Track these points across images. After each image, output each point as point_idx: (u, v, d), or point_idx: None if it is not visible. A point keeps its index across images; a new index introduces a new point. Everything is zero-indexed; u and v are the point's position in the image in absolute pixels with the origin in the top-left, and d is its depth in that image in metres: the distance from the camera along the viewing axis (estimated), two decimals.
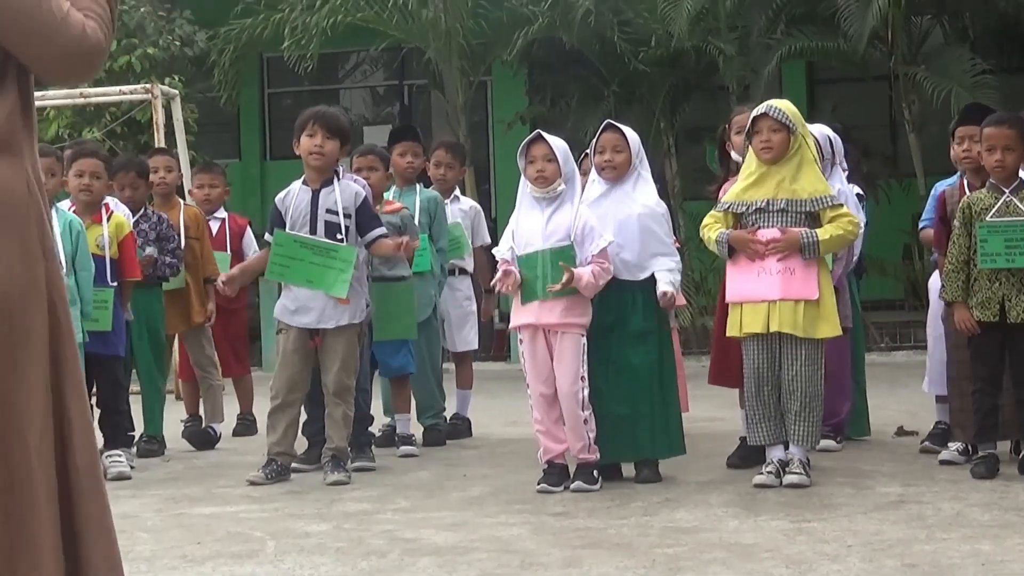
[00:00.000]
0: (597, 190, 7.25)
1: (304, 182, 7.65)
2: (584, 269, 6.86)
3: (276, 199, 7.72)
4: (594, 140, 7.31)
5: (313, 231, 7.51)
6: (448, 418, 9.27)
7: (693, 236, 15.66)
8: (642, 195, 7.25)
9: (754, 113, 7.09)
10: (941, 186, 8.13)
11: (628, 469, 7.28)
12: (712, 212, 7.24)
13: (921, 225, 8.29)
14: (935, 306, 7.97)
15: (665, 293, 7.10)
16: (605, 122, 7.41)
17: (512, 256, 7.06)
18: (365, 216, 7.59)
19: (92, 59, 3.21)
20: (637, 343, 7.14)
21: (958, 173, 8.02)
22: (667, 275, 7.13)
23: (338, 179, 7.62)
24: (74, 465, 3.21)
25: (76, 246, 7.56)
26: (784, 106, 7.04)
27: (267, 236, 7.70)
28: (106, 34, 3.21)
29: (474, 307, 9.65)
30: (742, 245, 6.97)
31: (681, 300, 9.18)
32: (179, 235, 9.14)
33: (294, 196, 7.61)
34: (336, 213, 7.51)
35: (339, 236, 7.49)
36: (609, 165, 7.23)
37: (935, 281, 7.94)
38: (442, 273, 9.09)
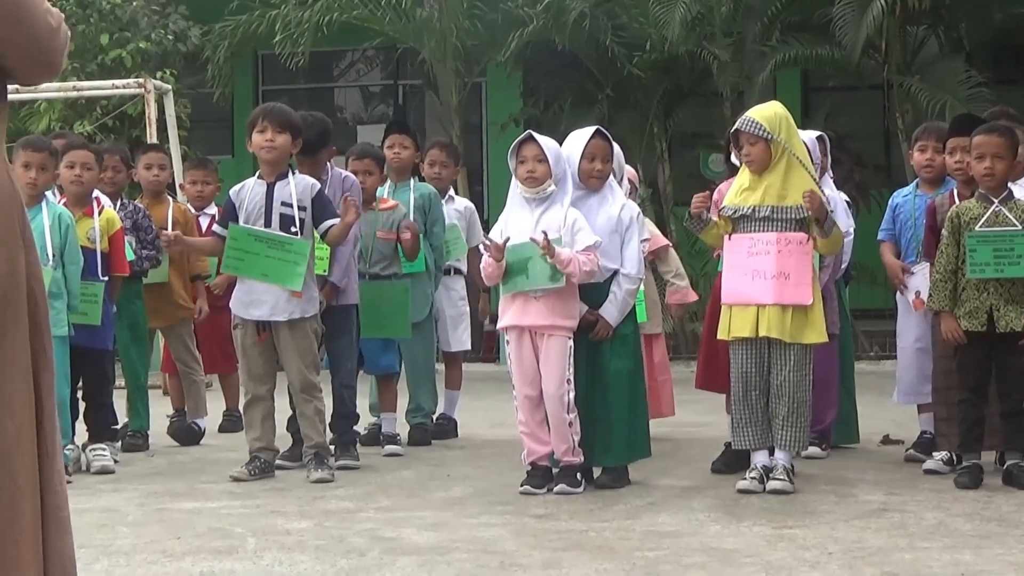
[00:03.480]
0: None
1: (259, 176, 7.65)
2: (564, 249, 6.83)
3: (231, 192, 7.73)
4: (582, 145, 7.17)
5: (268, 224, 7.52)
6: (435, 418, 9.26)
7: (683, 242, 15.75)
8: (618, 198, 7.21)
9: (733, 127, 7.11)
10: (896, 197, 8.22)
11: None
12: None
13: (879, 236, 8.32)
14: (903, 316, 8.03)
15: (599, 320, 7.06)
16: (595, 128, 7.32)
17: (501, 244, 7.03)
18: (319, 207, 7.58)
19: (61, 63, 3.28)
20: (618, 347, 7.11)
21: (914, 183, 8.12)
22: (613, 304, 7.09)
23: (293, 173, 7.61)
24: (45, 452, 3.21)
25: (65, 239, 7.53)
26: (760, 115, 7.00)
27: (217, 228, 7.71)
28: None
29: (467, 307, 9.66)
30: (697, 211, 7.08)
31: (693, 296, 9.17)
32: (168, 231, 9.13)
33: (249, 190, 7.62)
34: (291, 206, 7.51)
35: (293, 229, 7.50)
36: (599, 175, 7.17)
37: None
38: (437, 270, 9.08)
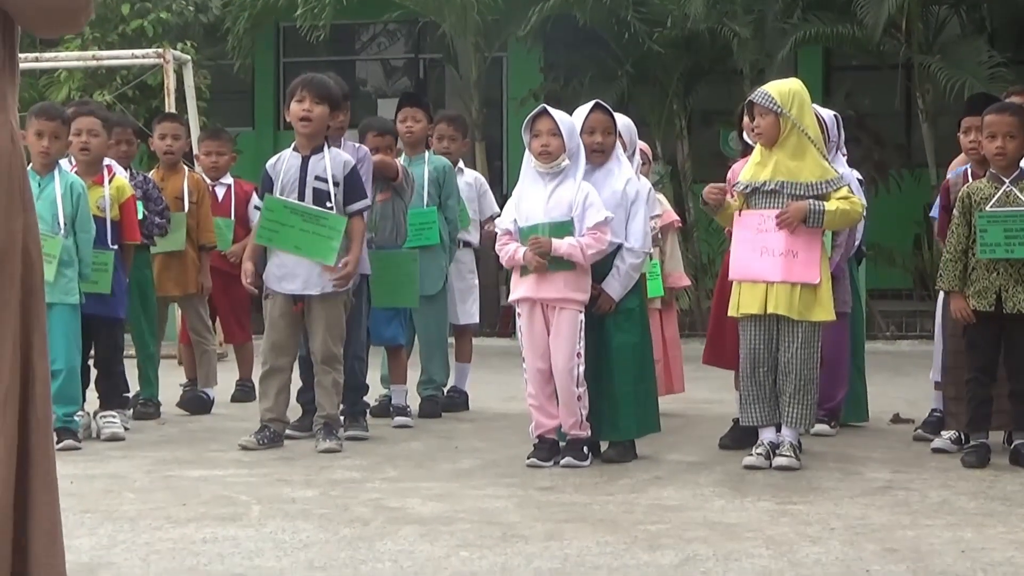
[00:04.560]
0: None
1: (295, 148, 7.67)
2: (563, 240, 6.85)
3: (267, 165, 7.75)
4: (581, 119, 7.18)
5: (301, 197, 7.53)
6: (445, 391, 9.29)
7: (702, 219, 15.73)
8: (625, 172, 7.21)
9: (747, 99, 7.11)
10: (953, 174, 8.16)
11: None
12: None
13: (932, 213, 8.30)
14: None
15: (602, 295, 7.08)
16: (594, 102, 7.34)
17: (515, 228, 7.05)
18: (351, 186, 7.60)
19: (75, 15, 3.24)
20: (622, 321, 7.12)
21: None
22: (616, 279, 7.10)
23: (328, 147, 7.63)
24: (34, 416, 3.23)
25: (77, 207, 7.56)
26: (773, 89, 7.00)
27: (255, 201, 7.73)
28: None
29: (476, 280, 9.68)
30: (715, 202, 7.02)
31: (685, 281, 9.23)
32: (184, 200, 9.18)
33: (284, 162, 7.64)
34: (325, 180, 7.53)
35: (328, 204, 7.51)
36: (600, 148, 7.18)
37: None
38: (452, 243, 9.10)
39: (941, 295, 8.08)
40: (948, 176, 7.86)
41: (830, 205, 6.87)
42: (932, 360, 8.07)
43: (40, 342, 3.26)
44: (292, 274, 7.57)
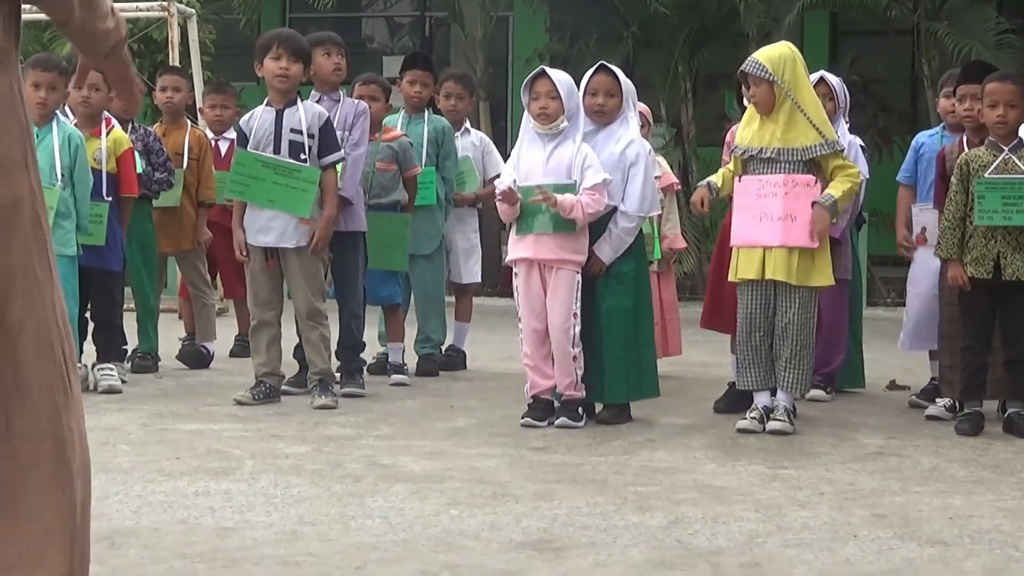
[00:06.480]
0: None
1: (267, 103, 7.66)
2: (567, 196, 6.85)
3: (240, 122, 7.82)
4: (584, 81, 7.21)
5: (277, 151, 7.54)
6: (443, 350, 9.30)
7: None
8: (627, 135, 7.20)
9: (740, 68, 7.08)
10: (921, 137, 8.19)
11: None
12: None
13: (899, 178, 8.31)
14: (921, 262, 7.99)
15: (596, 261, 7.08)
16: (598, 63, 7.33)
17: (514, 186, 7.05)
18: (325, 138, 7.59)
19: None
20: (614, 285, 7.12)
21: (940, 126, 8.08)
22: (607, 242, 7.09)
23: (301, 100, 7.64)
24: (54, 354, 3.24)
25: (75, 159, 7.57)
26: (764, 56, 6.97)
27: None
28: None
29: (479, 240, 9.68)
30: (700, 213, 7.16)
31: (682, 243, 9.22)
32: (183, 156, 9.17)
33: (257, 117, 7.65)
34: (300, 132, 7.53)
35: (303, 156, 7.52)
36: (601, 109, 7.17)
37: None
38: (448, 202, 9.10)
39: (915, 261, 8.12)
40: (944, 144, 7.85)
41: (834, 191, 6.88)
42: (915, 326, 8.08)
43: (52, 288, 3.28)
44: (267, 227, 7.58)
